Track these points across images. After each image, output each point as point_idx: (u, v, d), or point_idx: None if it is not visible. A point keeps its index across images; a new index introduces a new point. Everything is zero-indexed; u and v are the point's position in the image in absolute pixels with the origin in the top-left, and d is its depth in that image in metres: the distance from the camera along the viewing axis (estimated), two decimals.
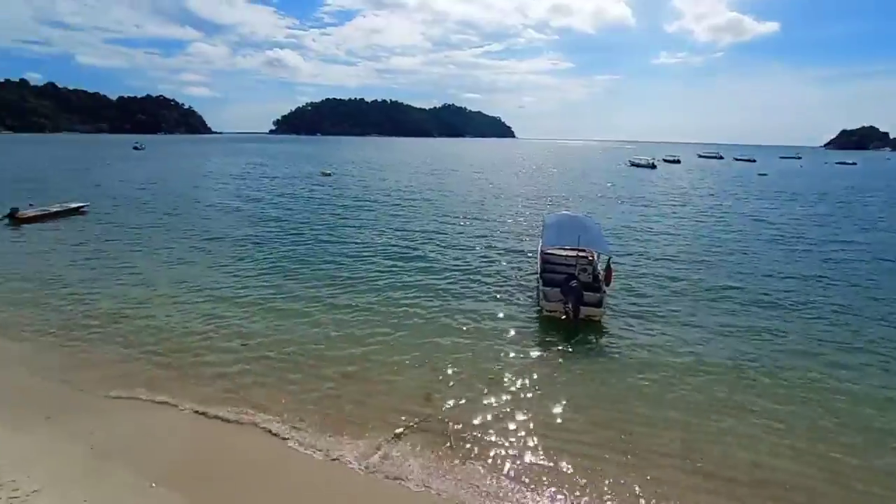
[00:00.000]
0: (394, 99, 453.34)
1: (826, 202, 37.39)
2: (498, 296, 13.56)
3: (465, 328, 11.27)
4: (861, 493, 6.30)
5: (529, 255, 17.67)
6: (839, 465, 6.80)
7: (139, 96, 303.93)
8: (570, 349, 10.35)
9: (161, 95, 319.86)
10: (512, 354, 10.04)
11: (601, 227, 16.57)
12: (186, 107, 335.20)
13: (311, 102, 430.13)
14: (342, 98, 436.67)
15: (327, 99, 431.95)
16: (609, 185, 47.42)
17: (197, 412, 7.53)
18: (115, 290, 13.26)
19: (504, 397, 8.36)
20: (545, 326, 11.53)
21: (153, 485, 5.80)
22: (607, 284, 12.29)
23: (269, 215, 25.91)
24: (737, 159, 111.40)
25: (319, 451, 6.71)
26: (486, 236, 21.52)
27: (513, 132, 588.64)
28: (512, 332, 11.16)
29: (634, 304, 13.08)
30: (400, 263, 16.58)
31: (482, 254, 18.31)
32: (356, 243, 19.38)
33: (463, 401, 8.16)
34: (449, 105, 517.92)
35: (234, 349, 9.80)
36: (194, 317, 11.45)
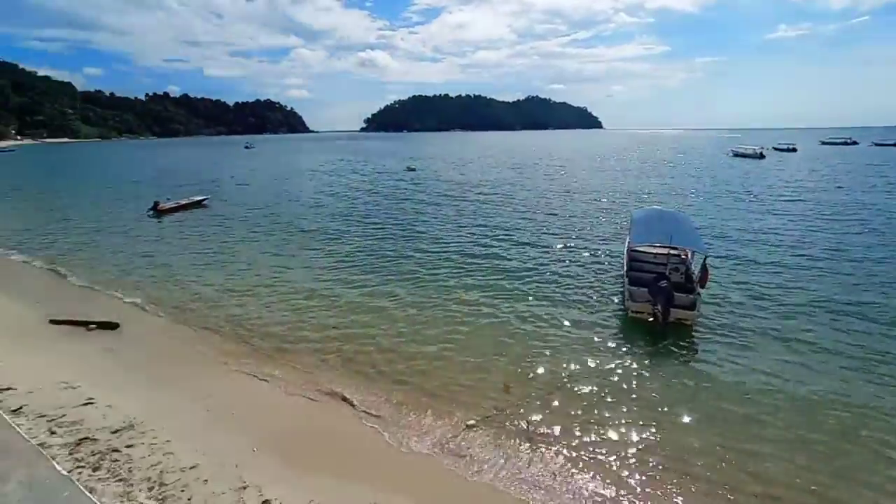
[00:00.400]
0: (477, 93, 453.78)
1: None
2: (579, 294, 13.02)
3: (545, 327, 11.00)
4: None
5: (615, 253, 16.73)
6: None
7: (250, 101, 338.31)
8: (657, 355, 9.63)
9: (268, 99, 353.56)
10: (593, 356, 9.60)
11: (695, 223, 15.18)
12: (289, 108, 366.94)
13: (399, 100, 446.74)
14: (427, 95, 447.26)
15: (413, 96, 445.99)
16: (707, 178, 42.99)
17: (290, 390, 8.29)
18: (222, 275, 14.98)
19: (582, 401, 8.05)
20: (630, 328, 10.85)
21: (255, 449, 6.50)
22: (702, 286, 11.20)
23: (356, 210, 27.40)
24: (878, 144, 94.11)
25: (395, 434, 7.04)
26: (568, 233, 20.75)
27: (600, 123, 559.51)
28: (594, 333, 10.66)
29: (733, 311, 11.73)
30: (479, 259, 16.61)
31: (564, 250, 17.69)
32: (436, 238, 19.76)
33: (540, 400, 8.03)
34: (532, 97, 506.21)
35: (322, 336, 10.54)
36: (288, 303, 12.52)
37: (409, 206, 28.08)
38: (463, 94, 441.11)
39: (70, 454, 5.92)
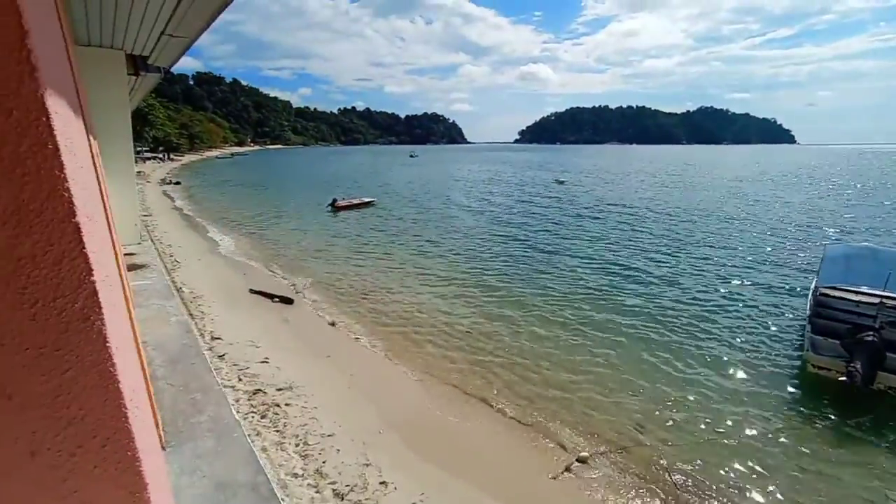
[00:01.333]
0: (640, 104, 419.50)
1: None
2: (742, 337, 10.87)
3: (694, 365, 9.48)
4: None
5: (797, 294, 13.60)
6: None
7: (419, 114, 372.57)
8: (844, 426, 7.47)
9: (434, 112, 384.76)
10: (749, 407, 7.94)
11: None
12: (451, 121, 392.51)
13: (555, 112, 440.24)
14: (585, 106, 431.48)
15: (570, 108, 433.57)
16: None
17: (420, 380, 8.76)
18: (377, 268, 16.62)
19: (724, 456, 6.70)
20: (808, 386, 8.65)
21: (381, 431, 7.01)
22: None
23: (502, 219, 27.72)
24: None
25: (517, 446, 6.84)
26: (736, 264, 17.57)
27: (792, 136, 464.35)
28: (755, 382, 8.79)
29: None
30: (625, 284, 15.17)
31: (728, 285, 15.02)
32: (581, 257, 18.73)
33: (676, 446, 6.93)
34: (706, 108, 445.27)
35: (457, 339, 10.84)
36: (432, 304, 13.24)
37: (555, 220, 27.34)
38: (624, 105, 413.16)
39: (248, 400, 7.22)
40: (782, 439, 7.23)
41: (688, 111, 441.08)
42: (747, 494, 6.10)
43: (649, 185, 48.53)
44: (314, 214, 29.12)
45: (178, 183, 46.68)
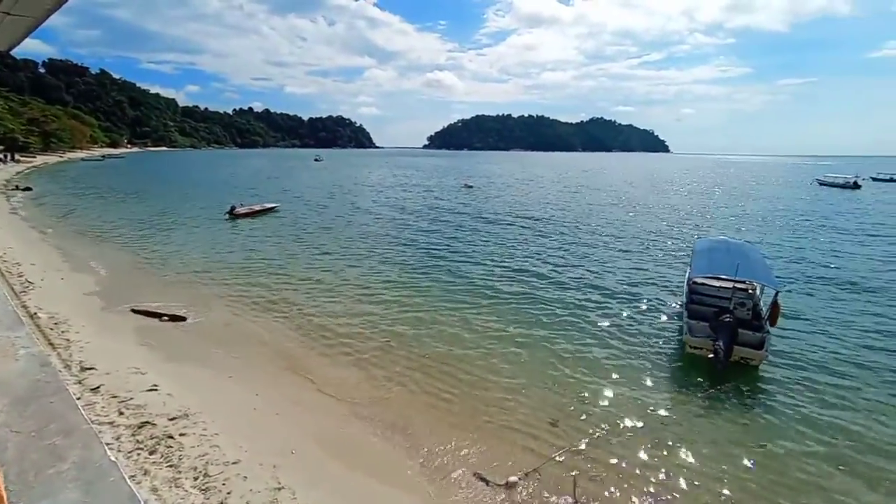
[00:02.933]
0: (540, 114, 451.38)
1: None
2: (634, 325, 12.28)
3: (595, 357, 10.46)
4: None
5: (675, 284, 15.70)
6: None
7: (323, 116, 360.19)
8: (717, 395, 8.82)
9: (339, 115, 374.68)
10: (646, 391, 8.99)
11: (764, 255, 14.02)
12: (358, 124, 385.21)
13: (462, 119, 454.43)
14: (490, 114, 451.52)
15: (476, 115, 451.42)
16: (786, 208, 39.38)
17: (333, 395, 8.48)
18: (282, 278, 15.76)
19: (631, 440, 7.51)
20: (688, 364, 10.05)
21: (293, 452, 6.66)
22: (772, 324, 10.18)
23: (412, 225, 27.91)
24: None
25: (418, 454, 6.94)
26: (627, 260, 19.80)
27: (666, 146, 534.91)
28: (647, 367, 9.97)
29: (808, 354, 10.57)
30: (531, 281, 16.27)
31: (620, 279, 16.85)
32: (490, 260, 19.60)
33: (588, 436, 7.56)
34: (597, 118, 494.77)
35: (369, 349, 10.72)
36: (343, 309, 12.92)
37: (463, 223, 28.24)
38: (525, 115, 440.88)
39: (132, 436, 6.38)
40: (669, 409, 8.32)
41: (581, 121, 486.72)
42: (640, 460, 6.92)
43: (552, 190, 52.56)
44: (209, 223, 26.62)
45: (28, 189, 39.56)
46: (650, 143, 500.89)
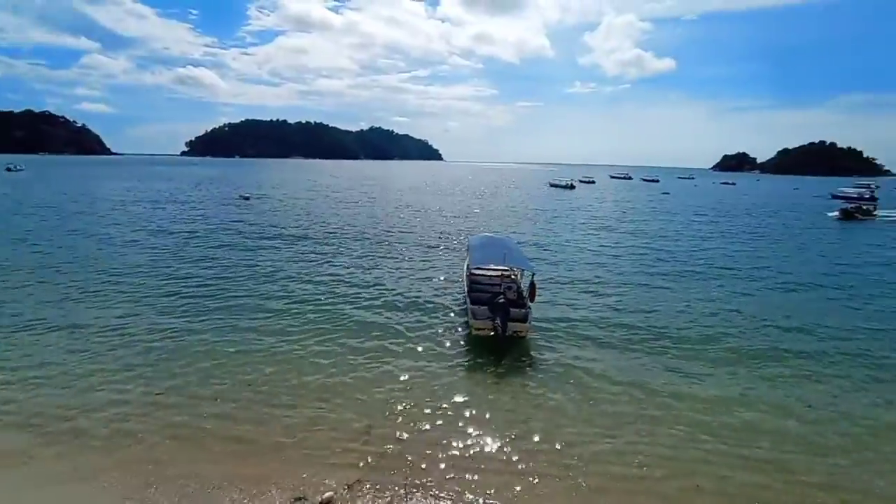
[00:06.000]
0: (318, 121, 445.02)
1: (721, 216, 42.54)
2: (426, 319, 13.55)
3: (394, 355, 11.10)
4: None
5: (457, 276, 17.98)
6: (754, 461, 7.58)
7: (17, 111, 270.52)
8: (501, 367, 10.58)
9: (46, 111, 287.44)
10: (446, 378, 10.03)
11: (521, 246, 17.58)
12: (79, 124, 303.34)
13: (230, 123, 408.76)
14: (264, 119, 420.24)
15: (247, 120, 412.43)
16: (531, 205, 50.10)
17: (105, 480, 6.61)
18: None
19: (440, 422, 8.30)
20: (476, 346, 11.68)
21: None
22: (531, 300, 12.83)
23: (179, 249, 23.46)
24: (644, 180, 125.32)
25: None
26: (414, 259, 21.61)
27: (440, 155, 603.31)
28: (442, 355, 11.18)
29: (557, 316, 13.85)
30: (322, 289, 16.08)
31: (409, 277, 18.30)
32: (276, 272, 18.46)
33: (403, 433, 7.95)
34: (376, 128, 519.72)
35: (137, 413, 8.77)
36: (93, 377, 10.12)
37: (244, 238, 25.62)
38: (303, 121, 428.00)
39: None
40: (467, 386, 9.55)
41: (362, 129, 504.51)
42: (456, 439, 7.75)
43: (340, 198, 52.82)
44: None
45: None
46: (426, 152, 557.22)
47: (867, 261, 24.06)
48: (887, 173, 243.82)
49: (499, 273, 14.67)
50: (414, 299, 15.28)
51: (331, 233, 28.05)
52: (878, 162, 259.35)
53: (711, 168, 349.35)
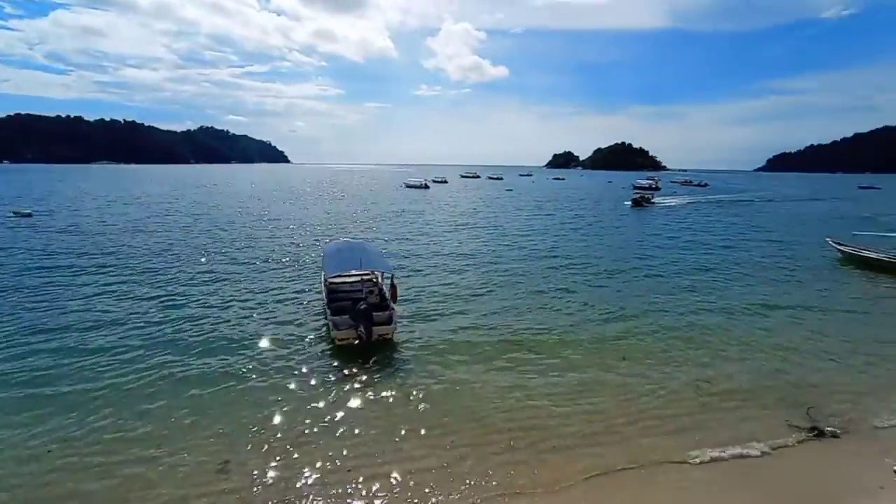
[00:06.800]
0: (132, 118, 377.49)
1: (555, 207, 48.51)
2: (284, 337, 12.39)
3: (254, 380, 9.93)
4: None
5: (314, 287, 16.90)
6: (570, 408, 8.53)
7: None
8: (369, 373, 10.23)
9: None
10: (310, 396, 9.28)
11: (379, 248, 17.35)
12: None
13: None
14: (48, 114, 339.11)
15: (19, 114, 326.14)
16: (389, 206, 50.31)
17: None
18: None
19: (307, 442, 7.69)
20: (341, 357, 11.06)
21: None
22: (394, 301, 12.67)
23: None
24: (490, 178, 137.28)
25: None
26: (265, 274, 19.66)
27: (286, 157, 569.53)
28: (305, 373, 10.30)
29: (419, 313, 14.07)
30: (151, 319, 13.54)
31: (262, 295, 16.52)
32: (92, 306, 14.94)
33: (268, 460, 7.15)
34: (207, 127, 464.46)
35: None
36: None
37: (28, 267, 20.09)
38: (108, 118, 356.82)
39: None
40: (339, 403, 8.90)
41: (189, 130, 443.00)
42: (331, 460, 7.08)
43: (168, 210, 45.18)
44: None
45: None
46: (270, 154, 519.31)
47: (651, 233, 31.64)
48: (665, 169, 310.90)
49: (359, 278, 14.15)
50: (268, 318, 13.83)
51: (157, 253, 23.67)
52: (658, 159, 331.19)
53: (545, 165, 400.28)
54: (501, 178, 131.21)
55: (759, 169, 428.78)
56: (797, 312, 14.93)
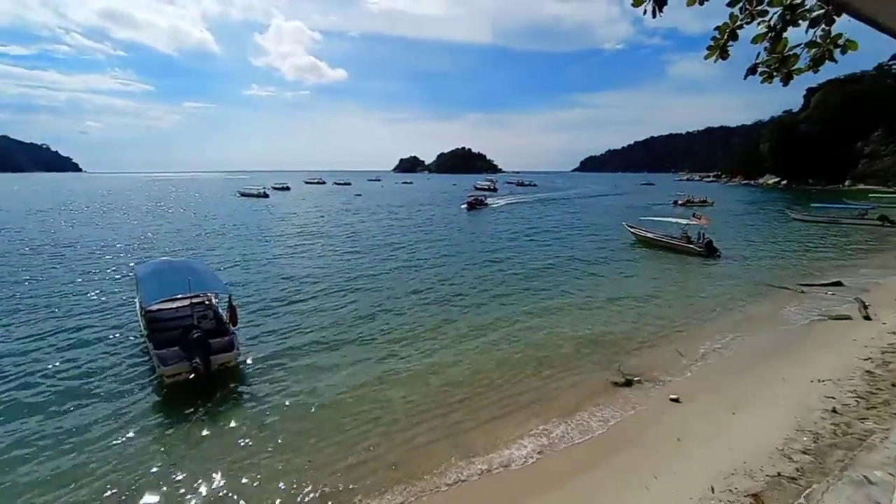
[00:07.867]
0: None
1: (410, 214, 49.63)
2: (93, 387, 10.32)
3: (66, 444, 8.21)
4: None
5: (126, 319, 14.44)
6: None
7: None
8: (211, 409, 9.27)
9: None
10: (146, 445, 8.10)
11: (208, 266, 15.76)
12: None
13: None
14: None
15: None
16: (220, 219, 45.22)
17: None
18: None
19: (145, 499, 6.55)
20: (174, 396, 9.74)
21: None
22: (234, 324, 11.63)
23: None
24: (336, 183, 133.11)
25: None
26: (58, 313, 16.02)
27: (76, 165, 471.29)
28: (137, 419, 8.93)
29: (264, 335, 13.21)
30: None
31: (55, 338, 13.45)
32: None
33: None
34: None
35: None
36: None
37: None
38: None
39: None
40: (174, 452, 7.88)
41: None
42: None
43: None
44: None
45: None
46: (48, 160, 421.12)
47: (484, 231, 34.69)
48: (501, 171, 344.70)
49: (187, 303, 12.46)
50: (67, 367, 11.33)
51: None
52: (496, 163, 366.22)
53: (393, 170, 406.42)
54: (349, 184, 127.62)
55: (575, 170, 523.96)
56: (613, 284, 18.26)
